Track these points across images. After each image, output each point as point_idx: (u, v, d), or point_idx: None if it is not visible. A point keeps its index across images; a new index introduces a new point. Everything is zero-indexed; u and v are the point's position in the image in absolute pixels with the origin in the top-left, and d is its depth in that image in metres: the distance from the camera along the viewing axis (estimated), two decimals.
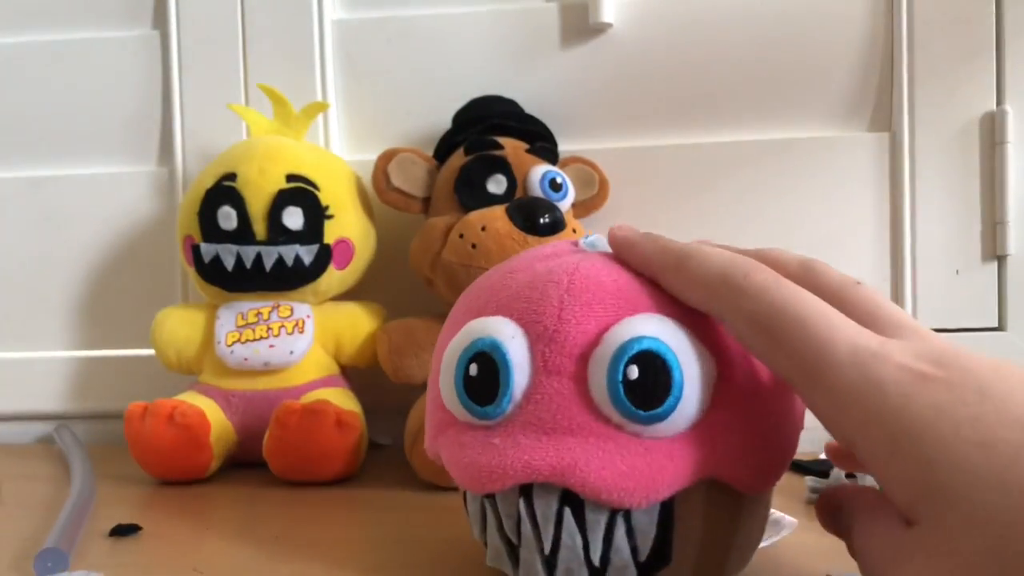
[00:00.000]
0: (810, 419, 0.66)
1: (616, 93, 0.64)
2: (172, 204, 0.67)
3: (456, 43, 0.65)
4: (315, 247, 0.55)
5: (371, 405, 0.57)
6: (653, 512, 0.28)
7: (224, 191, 0.55)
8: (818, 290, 0.27)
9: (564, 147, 0.63)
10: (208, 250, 0.55)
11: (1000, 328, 0.60)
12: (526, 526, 0.29)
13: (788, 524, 0.37)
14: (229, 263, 0.54)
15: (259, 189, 0.54)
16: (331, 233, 0.56)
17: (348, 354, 0.58)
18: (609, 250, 0.33)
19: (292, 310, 0.56)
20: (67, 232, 0.68)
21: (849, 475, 0.48)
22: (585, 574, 0.28)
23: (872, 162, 0.61)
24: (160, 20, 0.68)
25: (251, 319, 0.55)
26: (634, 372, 0.27)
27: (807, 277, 0.28)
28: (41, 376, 0.67)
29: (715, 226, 0.63)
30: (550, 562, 0.29)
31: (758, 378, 0.29)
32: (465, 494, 0.32)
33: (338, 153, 0.66)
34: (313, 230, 0.55)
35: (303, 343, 0.55)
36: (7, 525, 0.43)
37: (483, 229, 0.51)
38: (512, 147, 0.57)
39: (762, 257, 0.29)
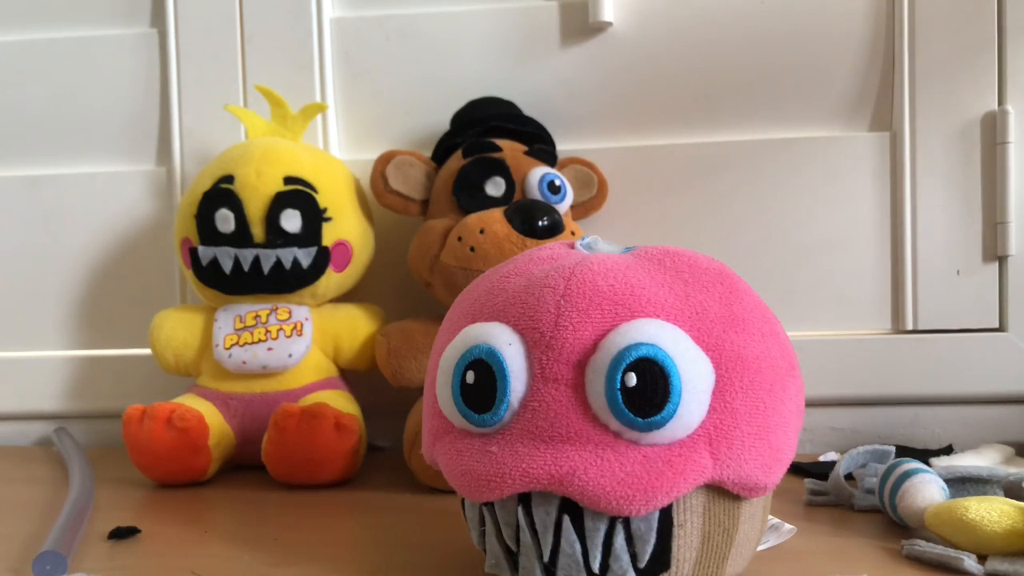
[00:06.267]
0: (809, 421, 0.65)
1: (616, 92, 0.63)
2: (170, 204, 0.66)
3: (455, 41, 0.65)
4: (313, 250, 0.55)
5: (370, 408, 0.57)
6: (652, 519, 0.28)
7: (222, 194, 0.54)
8: None
9: (563, 146, 0.63)
10: (206, 253, 0.54)
11: (1001, 329, 0.60)
12: (525, 534, 0.29)
13: (787, 531, 0.37)
14: (227, 266, 0.54)
15: (257, 192, 0.54)
16: (329, 236, 0.56)
17: (347, 357, 0.58)
18: (606, 251, 0.33)
19: (290, 313, 0.56)
20: (65, 231, 0.68)
21: (848, 476, 0.48)
22: None
23: (873, 162, 0.61)
24: (158, 18, 0.67)
25: (249, 322, 0.55)
26: (632, 379, 0.27)
27: None
28: (39, 376, 0.67)
29: (715, 226, 0.62)
30: (549, 569, 0.29)
31: (756, 382, 0.29)
32: (464, 500, 0.32)
33: (336, 153, 0.66)
34: (311, 233, 0.55)
35: (301, 346, 0.55)
36: (6, 528, 0.43)
37: (482, 232, 0.51)
38: (510, 149, 0.57)
39: None
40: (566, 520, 0.28)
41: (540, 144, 0.59)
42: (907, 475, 0.39)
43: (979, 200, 0.60)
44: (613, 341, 0.28)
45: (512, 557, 0.30)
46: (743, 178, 0.62)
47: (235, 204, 0.54)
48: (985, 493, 0.41)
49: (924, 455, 0.51)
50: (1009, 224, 0.59)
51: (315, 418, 0.49)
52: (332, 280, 0.57)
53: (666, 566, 0.28)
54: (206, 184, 0.56)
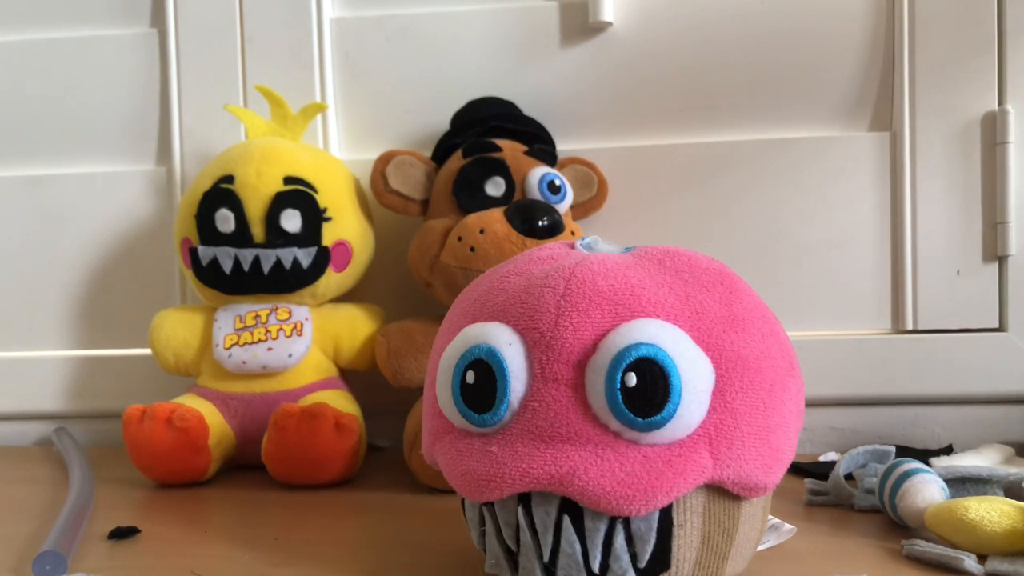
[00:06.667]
0: (809, 421, 0.65)
1: (616, 92, 0.63)
2: (170, 204, 0.66)
3: (455, 41, 0.65)
4: (313, 250, 0.55)
5: (370, 408, 0.57)
6: (652, 519, 0.28)
7: (222, 194, 0.54)
8: None
9: (563, 146, 0.63)
10: (206, 253, 0.55)
11: (1001, 329, 0.60)
12: (525, 534, 0.29)
13: (787, 531, 0.37)
14: (227, 266, 0.54)
15: (257, 192, 0.54)
16: (329, 235, 0.56)
17: (347, 357, 0.58)
18: (606, 251, 0.33)
19: (290, 313, 0.56)
20: (65, 231, 0.68)
21: (848, 476, 0.48)
22: None
23: (873, 162, 0.61)
24: (158, 18, 0.67)
25: (249, 322, 0.55)
26: (632, 379, 0.27)
27: None
28: (39, 376, 0.67)
29: (715, 226, 0.62)
30: (549, 569, 0.29)
31: (756, 382, 0.29)
32: (464, 500, 0.32)
33: (336, 153, 0.66)
34: (311, 233, 0.55)
35: (301, 346, 0.55)
36: (6, 528, 0.43)
37: (481, 232, 0.51)
38: (510, 149, 0.57)
39: None
40: (566, 520, 0.28)
41: (540, 144, 0.59)
42: (907, 475, 0.39)
43: (979, 200, 0.60)
44: (613, 341, 0.28)
45: (512, 557, 0.30)
46: (743, 178, 0.62)
47: (235, 204, 0.54)
48: (985, 493, 0.41)
49: (924, 455, 0.51)
50: (1009, 224, 0.59)
51: (315, 418, 0.49)
52: (332, 280, 0.57)
53: (666, 566, 0.28)
54: (206, 184, 0.56)
